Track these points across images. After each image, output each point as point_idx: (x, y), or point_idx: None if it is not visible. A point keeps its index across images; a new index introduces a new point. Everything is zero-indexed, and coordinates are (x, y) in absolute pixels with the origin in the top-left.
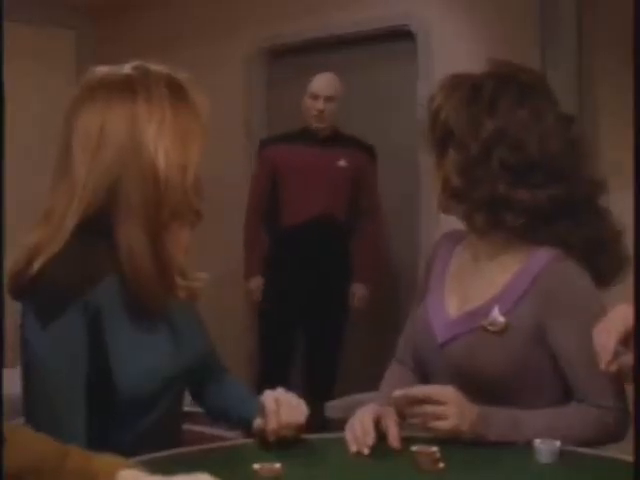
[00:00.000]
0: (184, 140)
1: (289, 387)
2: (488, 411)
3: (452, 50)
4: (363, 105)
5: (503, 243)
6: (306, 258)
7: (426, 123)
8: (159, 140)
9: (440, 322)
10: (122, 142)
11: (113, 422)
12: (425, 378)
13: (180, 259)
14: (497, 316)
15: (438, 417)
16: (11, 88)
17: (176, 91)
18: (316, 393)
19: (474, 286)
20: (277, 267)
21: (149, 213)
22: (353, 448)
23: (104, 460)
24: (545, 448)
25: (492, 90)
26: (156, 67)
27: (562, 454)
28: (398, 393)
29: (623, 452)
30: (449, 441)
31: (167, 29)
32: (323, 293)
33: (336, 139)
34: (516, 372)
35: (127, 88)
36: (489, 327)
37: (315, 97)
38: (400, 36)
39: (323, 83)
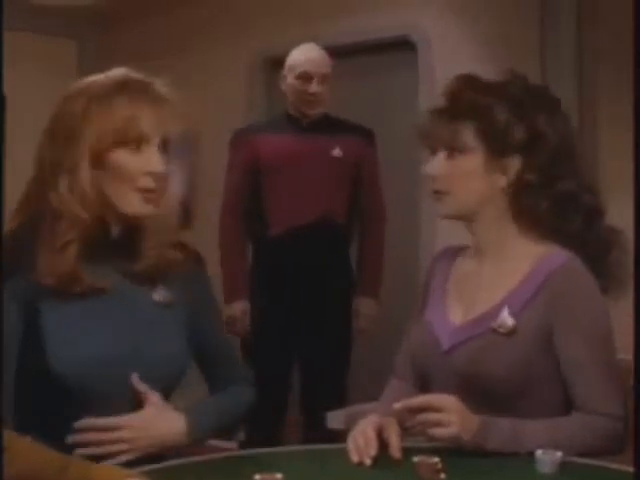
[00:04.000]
0: (73, 138)
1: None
2: (489, 420)
3: (453, 60)
4: (363, 114)
5: (512, 244)
6: (299, 274)
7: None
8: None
9: (445, 330)
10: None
11: (61, 417)
12: (427, 391)
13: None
14: (506, 317)
15: (439, 424)
16: (13, 96)
17: (100, 93)
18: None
19: (480, 292)
20: (262, 287)
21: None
22: (355, 458)
23: (104, 470)
24: (547, 458)
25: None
26: (120, 71)
27: (563, 464)
28: (399, 404)
29: (623, 463)
30: (451, 451)
31: (169, 38)
32: (323, 316)
33: (327, 125)
34: (521, 376)
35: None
36: (499, 329)
37: (306, 76)
38: (401, 46)
39: (315, 58)
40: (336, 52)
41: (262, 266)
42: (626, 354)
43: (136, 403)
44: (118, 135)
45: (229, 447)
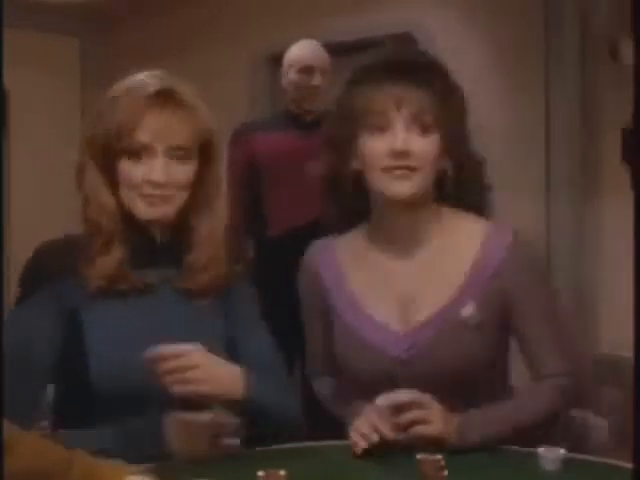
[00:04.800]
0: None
1: None
2: (464, 417)
3: (455, 58)
4: None
5: (451, 225)
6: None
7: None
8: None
9: (390, 337)
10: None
11: (95, 417)
12: (375, 392)
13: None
14: (474, 310)
15: (423, 421)
16: (14, 94)
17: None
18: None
19: (422, 286)
20: (262, 287)
21: None
22: (362, 444)
23: (110, 466)
24: (549, 455)
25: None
26: (139, 77)
27: (566, 461)
28: (383, 400)
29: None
30: (453, 449)
31: (171, 37)
32: None
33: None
34: (485, 363)
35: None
36: (468, 322)
37: (307, 70)
38: (403, 43)
39: (315, 51)
40: (338, 49)
41: (262, 266)
42: (620, 351)
43: (168, 406)
44: (119, 143)
45: (231, 444)
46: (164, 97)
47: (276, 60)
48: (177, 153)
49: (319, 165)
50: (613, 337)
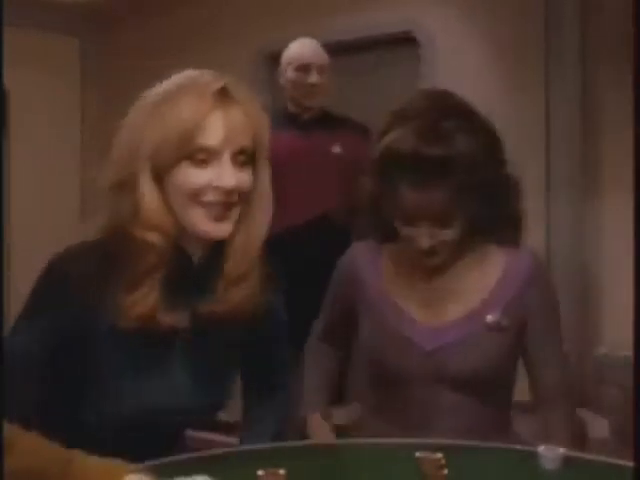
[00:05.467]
0: (132, 150)
1: None
2: None
3: (455, 57)
4: (365, 111)
5: (481, 250)
6: (299, 273)
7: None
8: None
9: (421, 331)
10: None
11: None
12: (394, 387)
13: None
14: (500, 315)
15: None
16: (14, 94)
17: (164, 97)
18: None
19: (450, 295)
20: None
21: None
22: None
23: (109, 465)
24: (549, 454)
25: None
26: (194, 74)
27: (566, 460)
28: None
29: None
30: (453, 447)
31: (171, 36)
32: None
33: (326, 121)
34: (504, 368)
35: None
36: (492, 325)
37: (305, 68)
38: (403, 42)
39: (312, 49)
40: (338, 48)
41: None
42: (620, 351)
43: (167, 443)
44: (181, 147)
45: (230, 442)
46: (226, 95)
47: (275, 59)
48: (240, 158)
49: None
50: (613, 337)
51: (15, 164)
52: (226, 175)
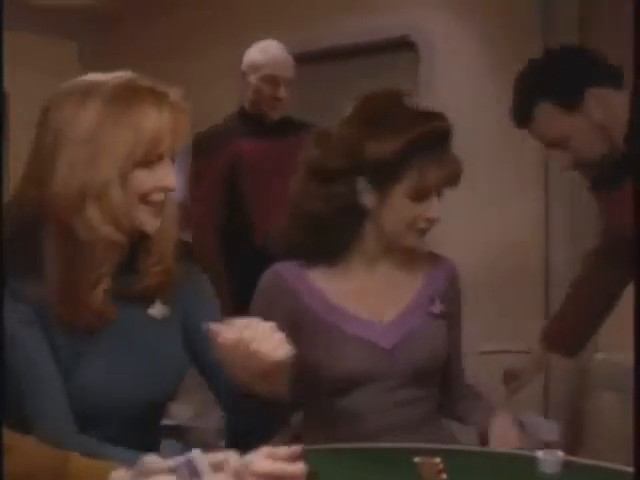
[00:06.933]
0: (97, 154)
1: None
2: None
3: (454, 61)
4: None
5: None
6: None
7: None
8: (60, 150)
9: (378, 330)
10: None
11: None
12: (352, 392)
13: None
14: (438, 302)
15: None
16: (12, 98)
17: (119, 101)
18: None
19: (385, 296)
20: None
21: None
22: None
23: (101, 463)
24: (548, 458)
25: None
26: (127, 75)
27: (565, 464)
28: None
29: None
30: (452, 452)
31: (168, 38)
32: None
33: (286, 125)
34: (446, 353)
35: (79, 92)
36: (434, 312)
37: (272, 80)
38: (401, 46)
39: (282, 61)
40: (336, 53)
41: (249, 273)
42: (617, 354)
43: (136, 424)
44: (146, 152)
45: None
46: (167, 96)
47: None
48: (173, 157)
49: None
50: (610, 340)
51: (15, 167)
52: (170, 176)
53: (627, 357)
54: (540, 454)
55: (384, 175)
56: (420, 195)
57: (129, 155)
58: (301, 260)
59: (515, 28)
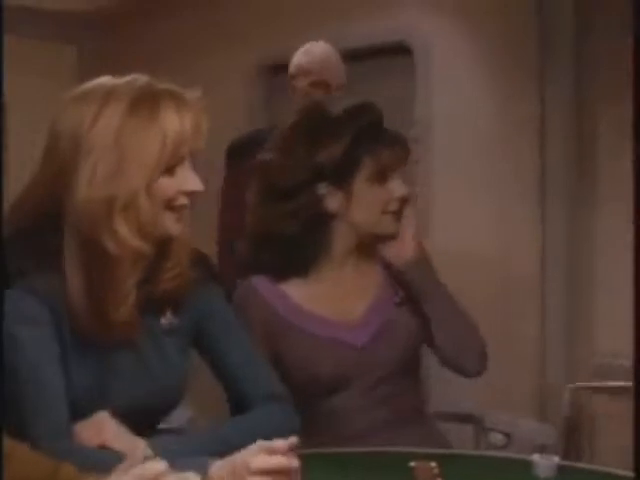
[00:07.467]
0: (124, 162)
1: None
2: None
3: (450, 65)
4: None
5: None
6: None
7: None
8: (79, 158)
9: (349, 333)
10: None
11: None
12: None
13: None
14: (401, 292)
15: None
16: (11, 103)
17: (141, 105)
18: None
19: (350, 296)
20: None
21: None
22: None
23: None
24: (543, 463)
25: None
26: (143, 79)
27: (560, 469)
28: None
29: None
30: (447, 456)
31: (168, 41)
32: None
33: None
34: (419, 339)
35: (97, 98)
36: (401, 301)
37: (324, 85)
38: (397, 51)
39: (334, 66)
40: None
41: None
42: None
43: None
44: (171, 157)
45: None
46: (182, 98)
47: (273, 69)
48: (192, 161)
49: None
50: (610, 344)
51: (14, 172)
52: (194, 179)
53: (627, 357)
54: (535, 458)
55: (342, 172)
56: (382, 176)
57: (157, 162)
58: (272, 276)
59: (511, 32)
